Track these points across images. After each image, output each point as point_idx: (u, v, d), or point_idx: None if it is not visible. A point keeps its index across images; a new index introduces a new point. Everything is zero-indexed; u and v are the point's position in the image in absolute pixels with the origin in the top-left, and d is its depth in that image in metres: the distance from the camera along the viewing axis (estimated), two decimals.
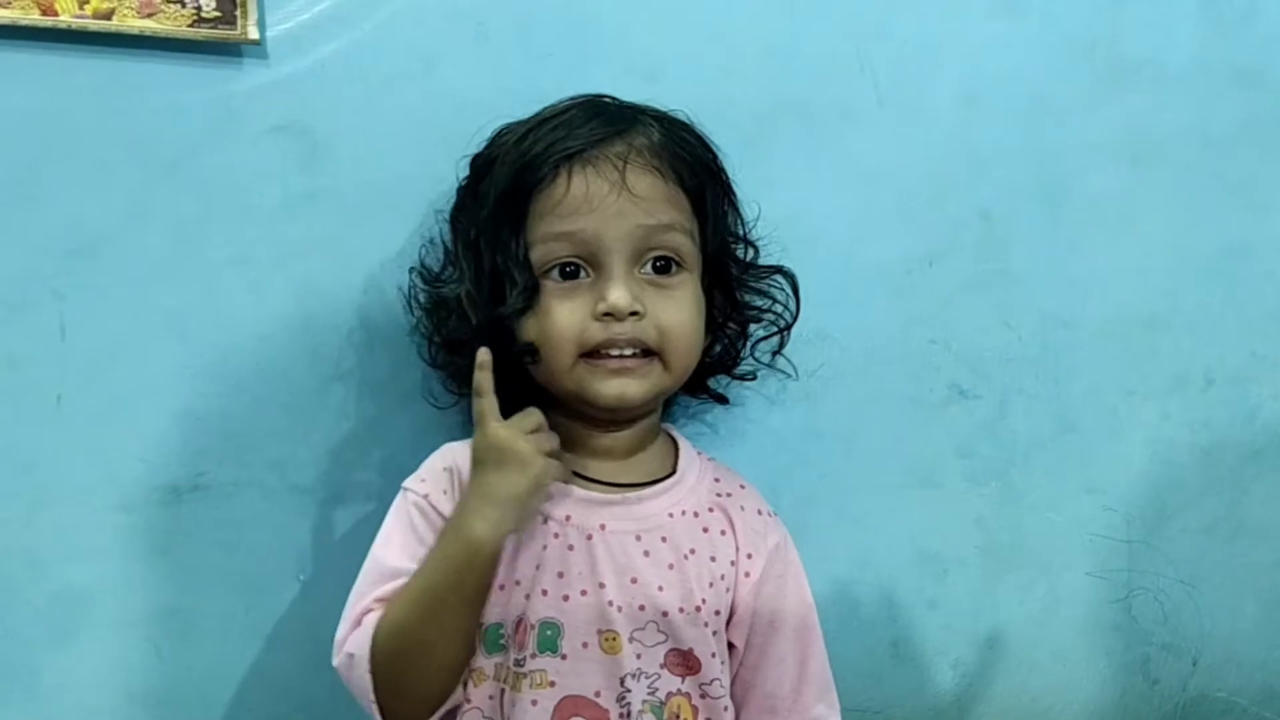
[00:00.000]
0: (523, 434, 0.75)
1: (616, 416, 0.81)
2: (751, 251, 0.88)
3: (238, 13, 0.85)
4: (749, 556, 0.83)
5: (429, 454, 0.88)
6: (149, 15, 0.84)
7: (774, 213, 0.94)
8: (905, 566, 1.00)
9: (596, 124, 0.78)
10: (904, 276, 0.98)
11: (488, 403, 0.76)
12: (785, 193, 0.95)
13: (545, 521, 0.80)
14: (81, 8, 0.84)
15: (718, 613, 0.81)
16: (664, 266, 0.78)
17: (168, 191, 0.87)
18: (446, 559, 0.74)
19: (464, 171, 0.83)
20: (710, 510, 0.83)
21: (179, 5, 0.84)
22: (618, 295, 0.75)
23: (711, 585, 0.81)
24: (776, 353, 0.91)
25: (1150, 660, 1.06)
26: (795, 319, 0.89)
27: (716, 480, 0.85)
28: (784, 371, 0.93)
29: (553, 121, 0.79)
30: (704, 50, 0.93)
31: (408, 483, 0.81)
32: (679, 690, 0.80)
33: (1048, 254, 0.99)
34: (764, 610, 0.83)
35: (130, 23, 0.84)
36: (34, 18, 0.83)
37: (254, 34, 0.85)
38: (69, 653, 0.90)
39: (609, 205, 0.75)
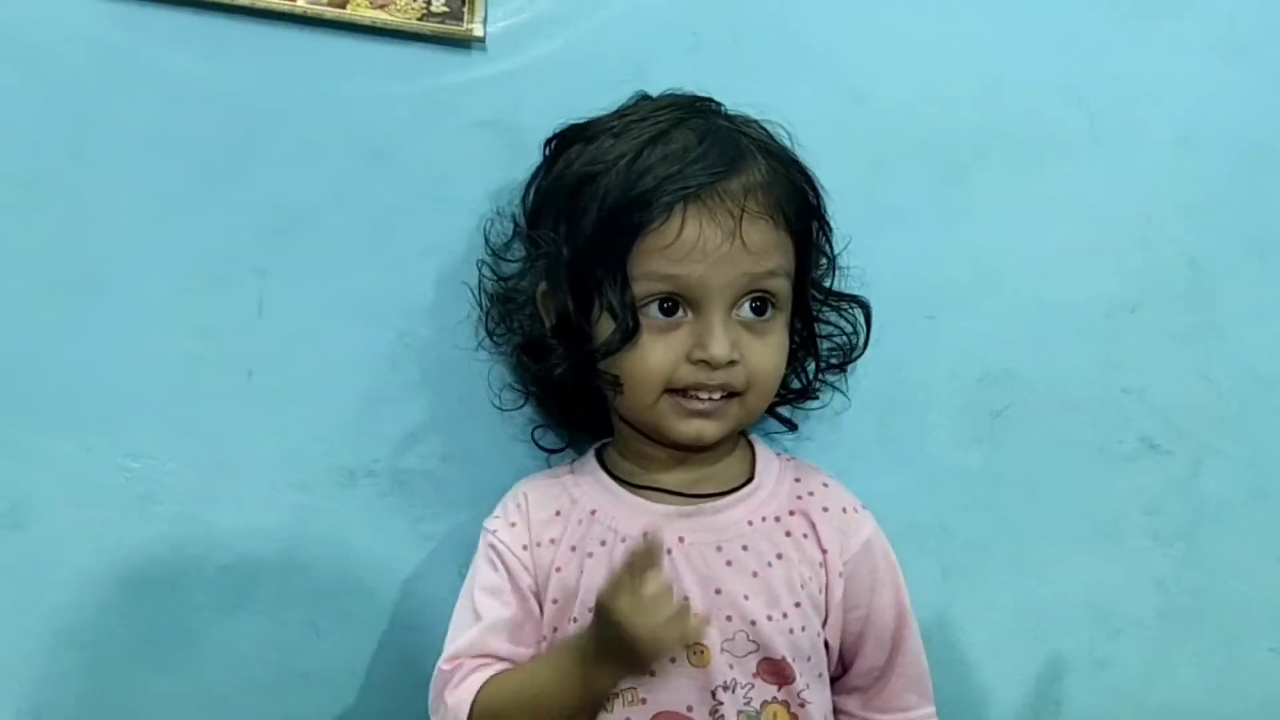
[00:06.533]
0: (665, 621, 0.69)
1: (690, 449, 0.80)
2: (833, 275, 0.86)
3: (465, 9, 0.85)
4: (836, 555, 0.80)
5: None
6: (381, 6, 0.85)
7: (965, 243, 0.92)
8: (1077, 622, 0.96)
9: (710, 156, 0.75)
10: (1103, 320, 0.94)
11: (629, 585, 0.69)
12: (982, 224, 0.92)
13: (622, 540, 0.79)
14: None
15: (810, 615, 0.79)
16: (760, 308, 0.77)
17: (370, 178, 0.88)
18: (564, 688, 0.74)
19: None
20: (791, 514, 0.81)
21: None
22: (718, 348, 0.75)
23: (803, 587, 0.79)
24: (831, 368, 0.88)
25: None
26: (864, 349, 0.87)
27: (797, 480, 0.84)
28: (841, 391, 0.90)
29: (661, 144, 0.75)
30: (913, 75, 0.91)
31: (486, 521, 0.83)
32: (774, 699, 0.78)
33: (1256, 308, 0.94)
34: (855, 607, 0.81)
35: (363, 12, 0.85)
36: (271, 1, 0.84)
37: (479, 31, 0.86)
38: (232, 625, 0.91)
39: (720, 252, 0.74)
